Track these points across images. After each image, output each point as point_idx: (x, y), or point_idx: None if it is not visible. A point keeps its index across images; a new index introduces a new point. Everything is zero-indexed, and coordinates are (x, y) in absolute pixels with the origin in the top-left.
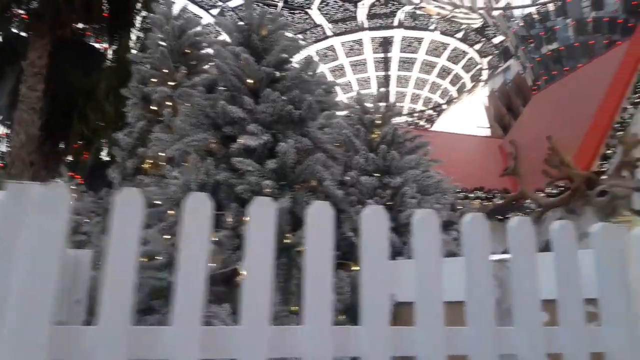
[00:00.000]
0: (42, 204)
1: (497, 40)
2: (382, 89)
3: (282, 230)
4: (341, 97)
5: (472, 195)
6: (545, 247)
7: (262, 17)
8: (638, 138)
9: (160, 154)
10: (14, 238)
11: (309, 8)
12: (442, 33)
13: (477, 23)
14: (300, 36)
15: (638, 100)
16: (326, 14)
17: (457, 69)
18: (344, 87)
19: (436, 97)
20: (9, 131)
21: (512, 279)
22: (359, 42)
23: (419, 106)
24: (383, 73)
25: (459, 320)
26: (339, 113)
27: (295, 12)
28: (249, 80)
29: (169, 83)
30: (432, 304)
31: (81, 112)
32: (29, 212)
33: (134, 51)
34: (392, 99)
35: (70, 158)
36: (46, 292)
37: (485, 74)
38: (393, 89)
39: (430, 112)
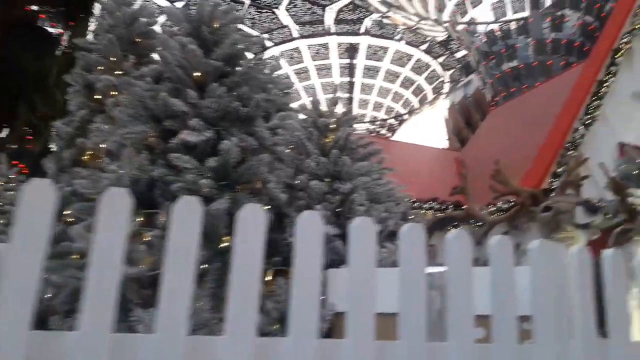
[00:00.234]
0: None
1: (460, 54)
2: (337, 94)
3: (218, 233)
4: (305, 100)
5: (427, 205)
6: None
7: (214, 9)
8: (580, 159)
9: (101, 145)
10: None
11: (276, 8)
12: (407, 43)
13: (442, 36)
14: (266, 35)
15: (589, 121)
16: (294, 15)
17: (420, 80)
18: (309, 90)
19: (398, 107)
20: None
21: (447, 293)
22: (325, 46)
23: (382, 114)
24: (348, 79)
25: (393, 333)
26: (300, 115)
27: (262, 11)
28: (195, 73)
29: (116, 72)
30: (364, 316)
31: (29, 99)
32: None
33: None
34: (355, 105)
35: (15, 146)
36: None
37: (446, 87)
38: (357, 95)
39: (392, 121)
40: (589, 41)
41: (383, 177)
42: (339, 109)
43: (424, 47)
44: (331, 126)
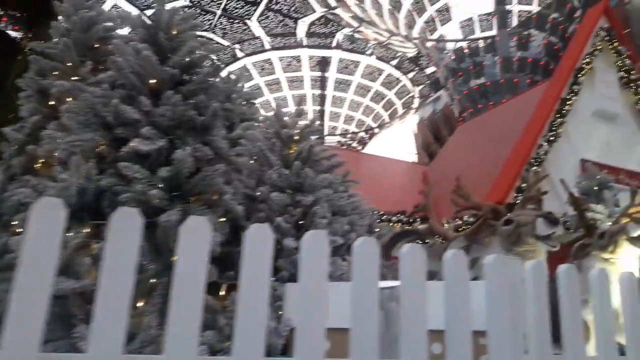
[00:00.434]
0: None
1: (429, 70)
2: (302, 106)
3: (168, 246)
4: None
5: (395, 219)
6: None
7: (172, 15)
8: (540, 175)
9: (54, 153)
10: None
11: (248, 19)
12: (378, 58)
13: (412, 52)
14: (237, 46)
15: (552, 138)
16: (265, 27)
17: (391, 94)
18: (280, 101)
19: (369, 121)
20: None
21: (400, 307)
22: (297, 59)
23: (353, 128)
24: (319, 91)
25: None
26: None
27: (234, 22)
28: (150, 81)
29: (72, 78)
30: (313, 332)
31: None
32: None
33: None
34: (327, 118)
35: None
36: None
37: (416, 102)
38: (328, 108)
39: (363, 134)
40: (553, 60)
41: (348, 189)
42: (304, 120)
43: (394, 62)
44: (295, 137)
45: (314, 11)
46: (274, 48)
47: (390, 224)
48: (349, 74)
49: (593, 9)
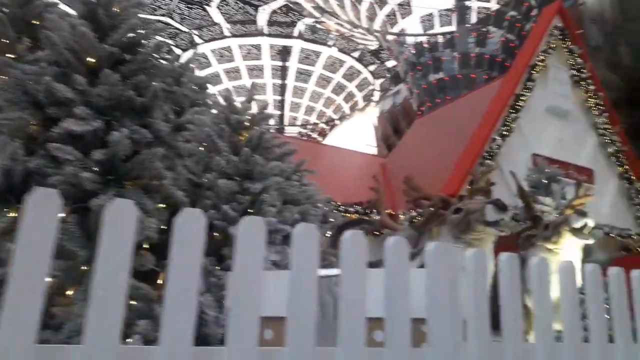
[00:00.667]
0: None
1: (390, 64)
2: (253, 91)
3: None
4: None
5: (352, 209)
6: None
7: None
8: (487, 168)
9: None
10: None
11: (207, 5)
12: (340, 50)
13: (373, 45)
14: (195, 32)
15: (506, 132)
16: (225, 13)
17: (351, 87)
18: (239, 89)
19: (330, 112)
20: None
21: (339, 295)
22: (258, 47)
23: (313, 119)
24: (280, 81)
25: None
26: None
27: (192, 7)
28: (88, 59)
29: (8, 55)
30: (246, 320)
31: None
32: None
33: None
34: (287, 108)
35: None
36: None
37: (377, 95)
38: (289, 98)
39: (324, 125)
40: (510, 57)
41: (303, 178)
42: (255, 106)
43: (355, 54)
44: (245, 124)
45: None
46: (234, 35)
47: (348, 215)
48: (310, 65)
49: (548, 7)
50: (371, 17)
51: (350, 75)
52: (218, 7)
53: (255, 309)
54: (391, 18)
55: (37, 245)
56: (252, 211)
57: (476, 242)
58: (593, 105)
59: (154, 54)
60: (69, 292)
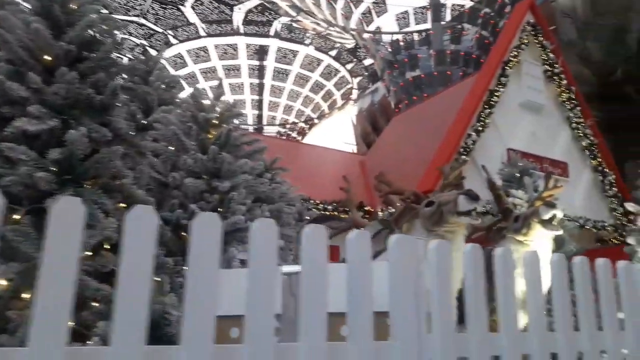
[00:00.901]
0: None
1: (367, 62)
2: (220, 90)
3: None
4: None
5: (330, 207)
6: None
7: None
8: (453, 166)
9: None
10: None
11: (182, 5)
12: (317, 49)
13: (350, 44)
14: (170, 32)
15: (480, 128)
16: (200, 13)
17: (330, 85)
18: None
19: (308, 111)
20: None
21: (300, 291)
22: (234, 47)
23: (292, 118)
24: (257, 80)
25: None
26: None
27: (166, 6)
28: (45, 57)
29: None
30: (202, 317)
31: None
32: None
33: None
34: (265, 107)
35: None
36: None
37: (355, 94)
38: (267, 97)
39: (302, 124)
40: (485, 54)
41: (276, 176)
42: (224, 104)
43: (333, 53)
44: (213, 121)
45: None
46: (209, 35)
47: (327, 212)
48: (288, 64)
49: (520, 4)
50: (347, 16)
51: (328, 74)
52: (192, 7)
53: (210, 306)
54: (367, 16)
55: None
56: (221, 210)
57: (449, 235)
58: (566, 99)
59: (114, 52)
60: (25, 295)
